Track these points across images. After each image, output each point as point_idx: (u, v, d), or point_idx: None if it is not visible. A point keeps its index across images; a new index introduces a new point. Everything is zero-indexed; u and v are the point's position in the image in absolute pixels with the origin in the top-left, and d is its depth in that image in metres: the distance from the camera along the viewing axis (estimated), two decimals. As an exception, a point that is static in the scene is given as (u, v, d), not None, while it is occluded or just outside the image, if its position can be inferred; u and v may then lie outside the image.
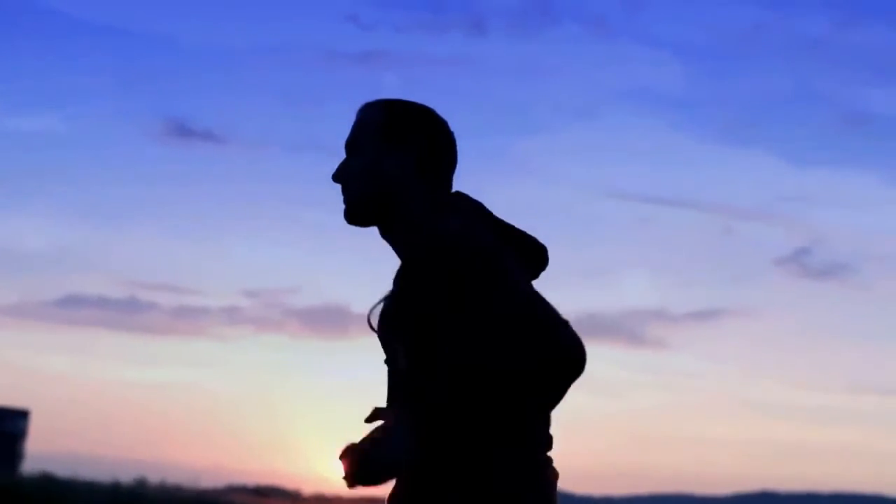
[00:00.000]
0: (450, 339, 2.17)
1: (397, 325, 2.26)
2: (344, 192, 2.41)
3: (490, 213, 2.36)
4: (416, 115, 2.40)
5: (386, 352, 2.33)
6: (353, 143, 2.41)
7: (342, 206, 2.41)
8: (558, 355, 2.08)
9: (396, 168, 2.36)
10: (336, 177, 2.42)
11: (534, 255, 2.36)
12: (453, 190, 2.42)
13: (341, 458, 2.19)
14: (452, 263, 2.17)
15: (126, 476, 23.48)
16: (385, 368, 2.35)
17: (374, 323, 2.35)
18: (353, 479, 2.18)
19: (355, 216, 2.40)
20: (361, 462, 2.16)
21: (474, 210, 2.35)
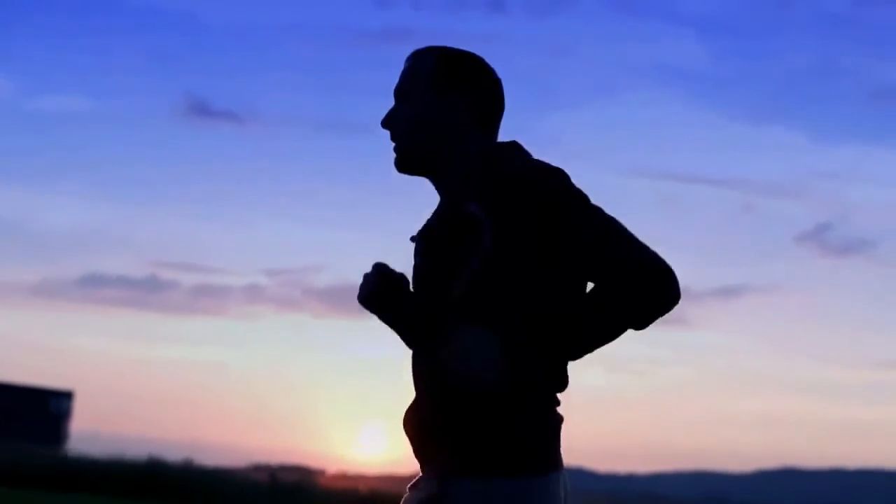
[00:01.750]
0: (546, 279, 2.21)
1: (468, 247, 2.24)
2: (394, 139, 2.38)
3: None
4: (467, 63, 2.38)
5: (426, 270, 2.34)
6: (403, 91, 2.38)
7: (392, 155, 2.39)
8: (659, 287, 2.19)
9: (450, 116, 2.34)
10: (385, 123, 2.39)
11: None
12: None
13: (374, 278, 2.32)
14: (550, 193, 2.20)
15: (140, 454, 23.38)
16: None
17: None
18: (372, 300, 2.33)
19: (407, 165, 2.38)
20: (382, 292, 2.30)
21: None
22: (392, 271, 2.34)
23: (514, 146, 2.35)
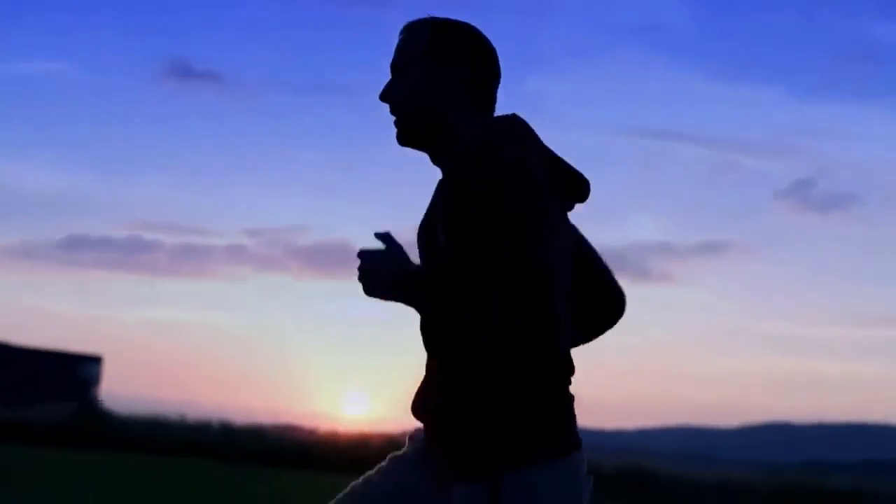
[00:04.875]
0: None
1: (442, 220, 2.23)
2: (394, 112, 2.38)
3: (541, 142, 2.33)
4: (462, 33, 2.38)
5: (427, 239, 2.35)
6: (400, 64, 2.38)
7: (393, 128, 2.38)
8: (620, 303, 2.51)
9: (448, 87, 2.34)
10: (383, 96, 2.39)
11: (577, 189, 2.36)
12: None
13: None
14: (501, 194, 2.14)
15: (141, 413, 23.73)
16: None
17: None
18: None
19: (409, 138, 2.38)
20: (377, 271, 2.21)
21: (530, 137, 2.32)
22: (390, 250, 2.24)
23: (511, 122, 2.33)
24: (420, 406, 2.35)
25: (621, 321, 2.48)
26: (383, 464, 2.46)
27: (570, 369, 2.27)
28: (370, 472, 2.46)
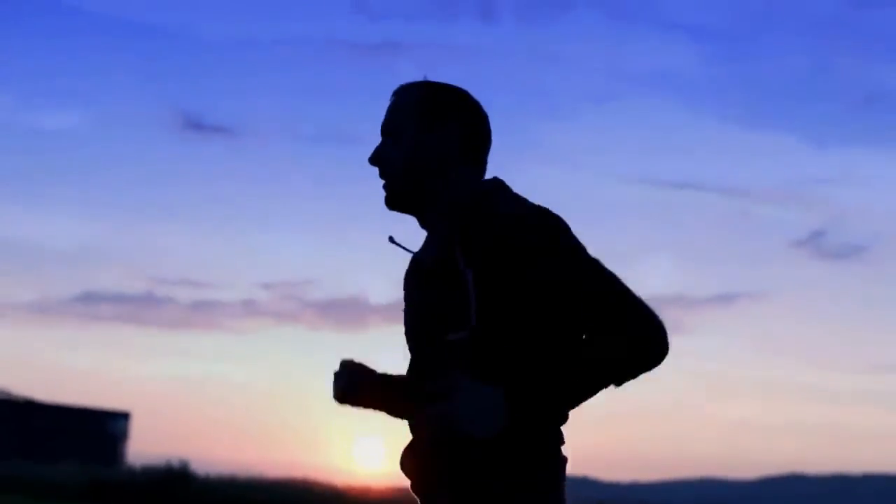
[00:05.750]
0: (538, 321, 2.18)
1: (458, 291, 2.21)
2: (383, 176, 2.35)
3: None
4: (454, 96, 2.36)
5: (420, 313, 2.31)
6: (391, 126, 2.35)
7: (380, 193, 2.37)
8: (653, 346, 2.16)
9: (437, 151, 2.31)
10: (373, 160, 2.36)
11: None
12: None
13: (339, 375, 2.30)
14: (537, 238, 2.17)
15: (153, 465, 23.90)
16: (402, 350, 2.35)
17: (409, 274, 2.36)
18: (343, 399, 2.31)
19: (397, 201, 2.35)
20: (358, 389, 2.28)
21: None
22: (359, 366, 2.33)
23: (499, 185, 2.32)
24: (407, 462, 2.32)
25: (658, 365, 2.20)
26: None
27: (563, 421, 2.25)
28: None
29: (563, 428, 2.25)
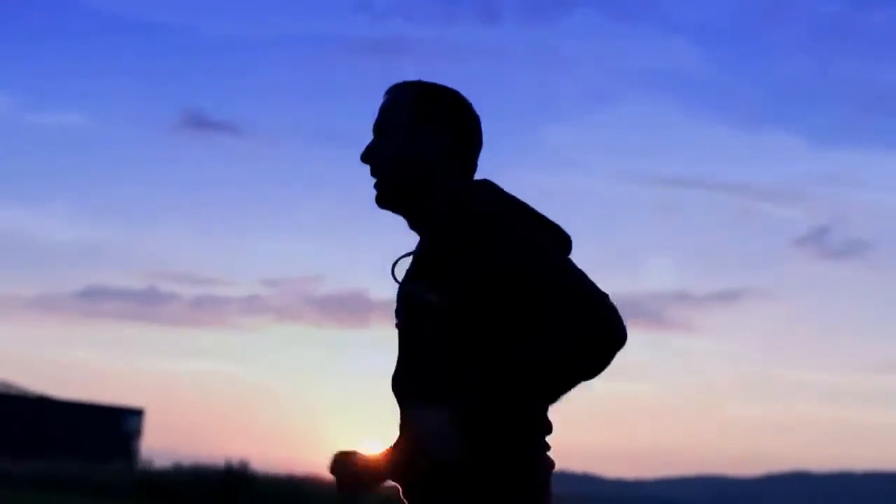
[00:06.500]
0: (486, 326, 2.17)
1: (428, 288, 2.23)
2: (374, 174, 2.37)
3: (521, 201, 2.29)
4: (446, 98, 2.38)
5: (405, 310, 2.31)
6: (383, 125, 2.37)
7: (372, 190, 2.37)
8: (603, 333, 2.06)
9: (429, 149, 2.33)
10: (364, 157, 2.38)
11: (562, 245, 2.27)
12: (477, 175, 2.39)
13: (336, 468, 2.25)
14: (479, 224, 2.18)
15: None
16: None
17: (398, 275, 2.37)
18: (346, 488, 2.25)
19: (388, 199, 2.36)
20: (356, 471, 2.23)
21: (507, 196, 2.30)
22: (343, 461, 2.26)
23: (482, 185, 2.30)
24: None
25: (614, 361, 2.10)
26: None
27: (546, 431, 2.23)
28: None
29: (554, 426, 2.25)
